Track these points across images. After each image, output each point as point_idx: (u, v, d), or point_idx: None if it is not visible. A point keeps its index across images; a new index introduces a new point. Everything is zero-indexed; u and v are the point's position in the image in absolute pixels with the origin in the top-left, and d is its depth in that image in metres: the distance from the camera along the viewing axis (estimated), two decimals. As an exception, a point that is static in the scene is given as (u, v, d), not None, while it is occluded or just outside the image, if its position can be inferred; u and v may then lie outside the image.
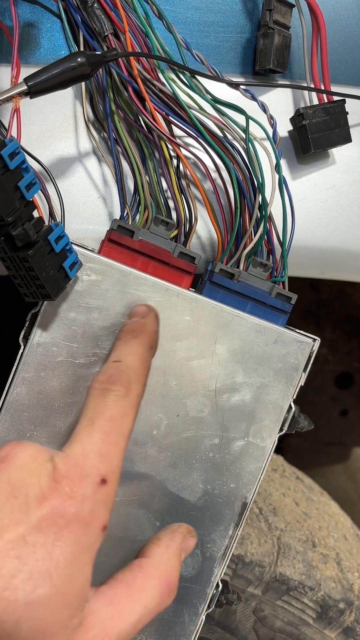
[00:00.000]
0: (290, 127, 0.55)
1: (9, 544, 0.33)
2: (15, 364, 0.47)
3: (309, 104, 0.55)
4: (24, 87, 0.41)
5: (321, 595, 0.71)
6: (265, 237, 0.51)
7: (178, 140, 0.50)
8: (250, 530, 0.73)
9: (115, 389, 0.39)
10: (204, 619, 0.54)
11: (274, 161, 0.50)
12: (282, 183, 0.51)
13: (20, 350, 0.47)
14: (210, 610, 0.54)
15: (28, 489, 0.35)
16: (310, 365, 0.52)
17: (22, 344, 0.47)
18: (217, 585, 0.54)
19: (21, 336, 0.47)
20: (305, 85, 0.54)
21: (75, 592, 0.34)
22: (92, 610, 0.36)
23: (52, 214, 0.47)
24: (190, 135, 0.49)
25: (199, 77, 0.49)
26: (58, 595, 0.33)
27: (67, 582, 0.34)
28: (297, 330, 0.52)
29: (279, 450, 1.48)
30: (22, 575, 0.32)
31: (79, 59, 0.42)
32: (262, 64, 0.53)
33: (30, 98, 0.42)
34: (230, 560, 0.69)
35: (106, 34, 0.47)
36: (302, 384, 0.52)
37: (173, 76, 0.49)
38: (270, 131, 0.50)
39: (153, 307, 0.47)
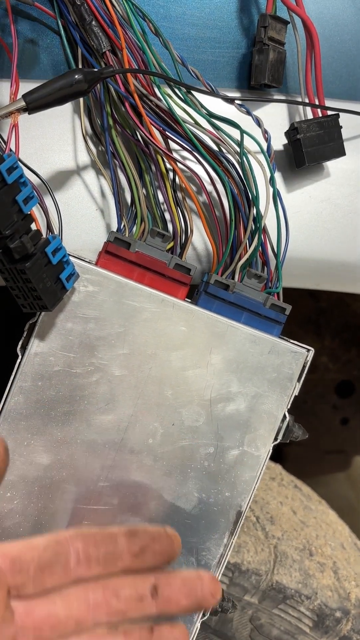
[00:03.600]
0: (285, 141, 0.56)
1: None
2: (13, 373, 0.48)
3: (303, 118, 0.56)
4: (23, 104, 0.42)
5: (318, 604, 0.71)
6: (260, 248, 0.52)
7: (174, 154, 0.51)
8: (247, 539, 0.74)
9: None
10: (199, 627, 0.54)
11: (268, 174, 0.51)
12: (276, 196, 0.52)
13: (18, 360, 0.48)
14: (205, 618, 0.54)
15: None
16: (304, 375, 0.53)
17: (19, 353, 0.48)
18: (212, 593, 0.54)
19: (19, 346, 0.48)
20: (299, 100, 0.55)
21: None
22: None
23: (49, 227, 0.48)
24: (185, 149, 0.50)
25: (194, 92, 0.50)
26: None
27: None
28: (292, 341, 0.53)
29: (279, 458, 1.48)
30: None
31: (76, 76, 0.43)
32: (257, 79, 0.54)
33: (29, 114, 0.43)
34: (226, 569, 0.70)
35: (104, 50, 0.49)
36: (297, 394, 0.53)
37: (169, 91, 0.50)
38: (264, 145, 0.51)
39: None
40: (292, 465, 1.40)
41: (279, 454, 1.48)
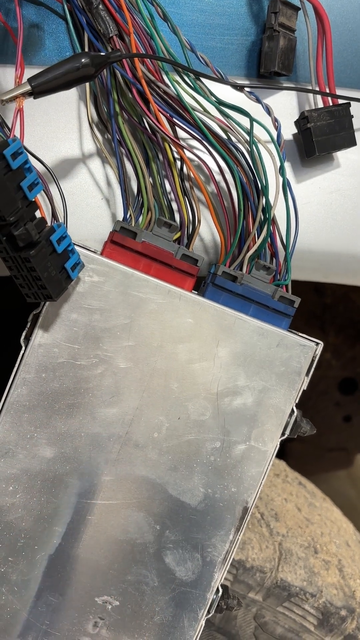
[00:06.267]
0: (295, 130, 0.55)
1: None
2: (17, 364, 0.47)
3: (313, 107, 0.55)
4: (28, 88, 0.41)
5: (322, 602, 0.71)
6: (269, 240, 0.51)
7: (182, 142, 0.49)
8: (252, 536, 0.73)
9: None
10: (203, 624, 0.53)
11: (278, 164, 0.50)
12: (286, 186, 0.51)
13: (22, 351, 0.47)
14: (210, 615, 0.54)
15: None
16: (313, 369, 0.52)
17: (23, 344, 0.47)
18: (217, 590, 0.53)
19: (22, 337, 0.47)
20: (310, 88, 0.54)
21: None
22: None
23: (54, 215, 0.47)
24: (194, 137, 0.49)
25: (203, 79, 0.49)
26: None
27: None
28: (300, 334, 0.52)
29: (281, 455, 1.47)
30: None
31: (83, 60, 0.42)
32: (267, 66, 0.53)
33: (34, 98, 0.42)
34: (231, 566, 0.69)
35: (111, 35, 0.47)
36: (305, 388, 0.52)
37: (177, 78, 0.49)
38: (274, 134, 0.50)
39: None
40: (294, 462, 1.39)
41: (280, 451, 1.47)
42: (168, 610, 0.53)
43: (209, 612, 0.53)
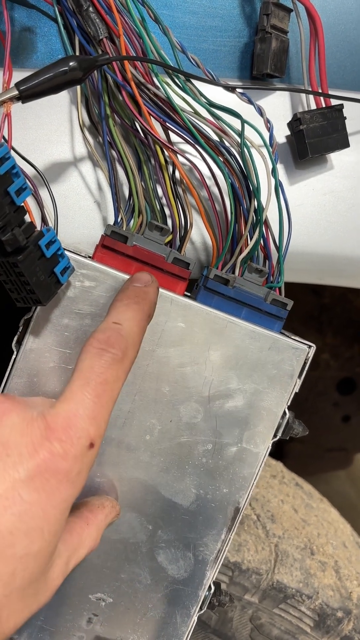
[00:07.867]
0: (288, 132, 0.55)
1: (6, 501, 0.34)
2: (8, 369, 0.47)
3: (306, 109, 0.55)
4: (15, 92, 0.41)
5: (319, 604, 0.70)
6: (261, 242, 0.51)
7: (174, 147, 0.49)
8: (248, 537, 0.73)
9: (113, 351, 0.40)
10: (195, 620, 0.54)
11: (270, 166, 0.50)
12: (278, 188, 0.51)
13: (13, 356, 0.47)
14: (202, 612, 0.54)
15: (21, 448, 0.36)
16: (305, 372, 0.51)
17: (15, 349, 0.47)
18: (210, 587, 0.54)
19: (14, 342, 0.47)
20: (302, 89, 0.54)
21: (56, 543, 0.38)
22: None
23: (44, 219, 0.47)
24: (184, 139, 0.49)
25: (194, 81, 0.49)
26: (47, 548, 0.37)
27: (54, 537, 0.37)
28: (293, 337, 0.52)
29: (279, 456, 1.47)
30: (19, 532, 0.35)
31: (70, 63, 0.42)
32: (259, 68, 0.53)
33: (22, 103, 0.42)
34: (227, 568, 0.69)
35: (101, 37, 0.47)
36: (297, 391, 0.52)
37: (168, 80, 0.49)
38: (266, 135, 0.50)
39: (154, 277, 0.47)
40: (293, 462, 1.39)
41: (279, 452, 1.48)
42: (161, 607, 0.53)
43: (201, 608, 0.54)
